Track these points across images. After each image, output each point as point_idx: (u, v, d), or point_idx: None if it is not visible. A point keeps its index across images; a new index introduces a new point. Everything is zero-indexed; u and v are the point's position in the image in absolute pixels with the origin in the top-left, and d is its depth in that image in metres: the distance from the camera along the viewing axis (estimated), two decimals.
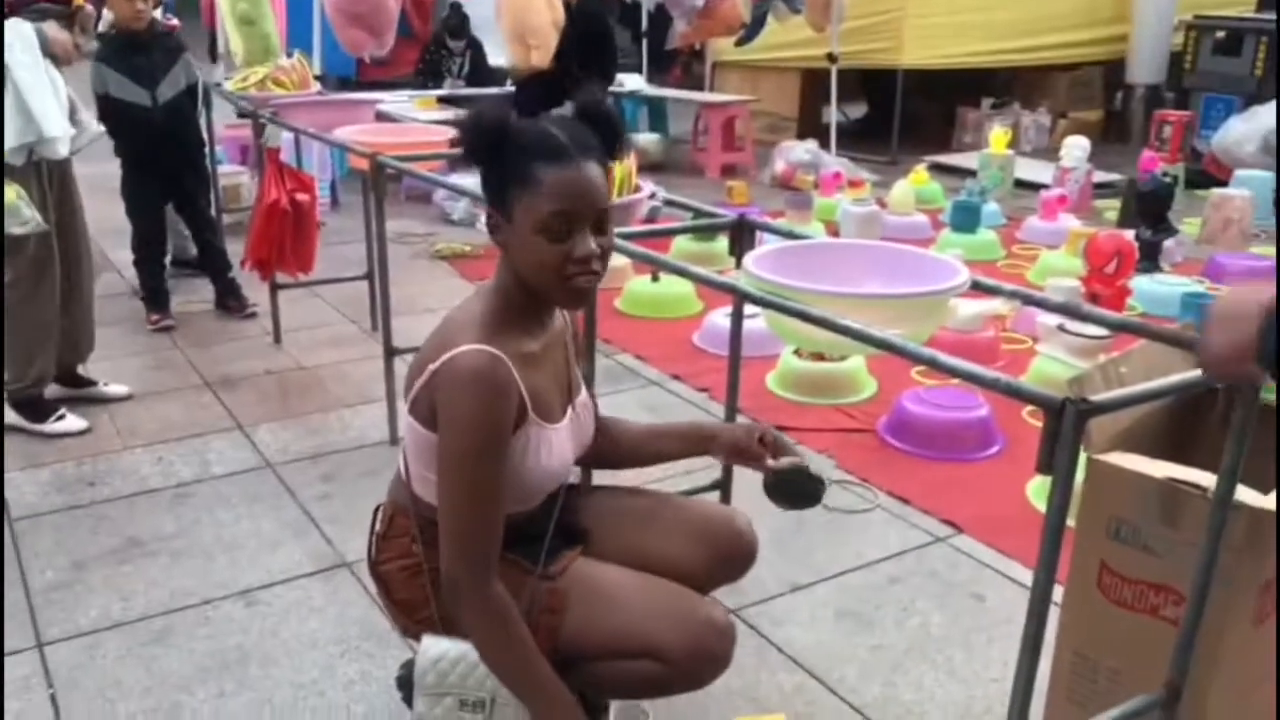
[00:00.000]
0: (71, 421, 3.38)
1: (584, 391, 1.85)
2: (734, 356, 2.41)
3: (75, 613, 2.44)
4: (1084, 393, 1.36)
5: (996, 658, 2.32)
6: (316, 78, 4.78)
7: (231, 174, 5.80)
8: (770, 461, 1.79)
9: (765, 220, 2.33)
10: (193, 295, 4.80)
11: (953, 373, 1.48)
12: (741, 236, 2.29)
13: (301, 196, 3.91)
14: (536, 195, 1.55)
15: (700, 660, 1.67)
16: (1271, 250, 5.83)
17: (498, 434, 1.58)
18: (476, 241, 5.88)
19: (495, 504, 1.60)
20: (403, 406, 1.74)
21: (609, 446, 1.93)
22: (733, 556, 1.86)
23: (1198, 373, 1.49)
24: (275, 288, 4.18)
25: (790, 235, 2.19)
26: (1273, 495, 1.71)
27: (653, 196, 2.61)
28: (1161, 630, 1.77)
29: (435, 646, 1.67)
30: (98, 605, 2.47)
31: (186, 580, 2.57)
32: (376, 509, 1.84)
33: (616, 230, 2.15)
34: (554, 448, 1.70)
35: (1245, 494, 1.66)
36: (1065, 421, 1.33)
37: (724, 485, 2.55)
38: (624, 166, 2.49)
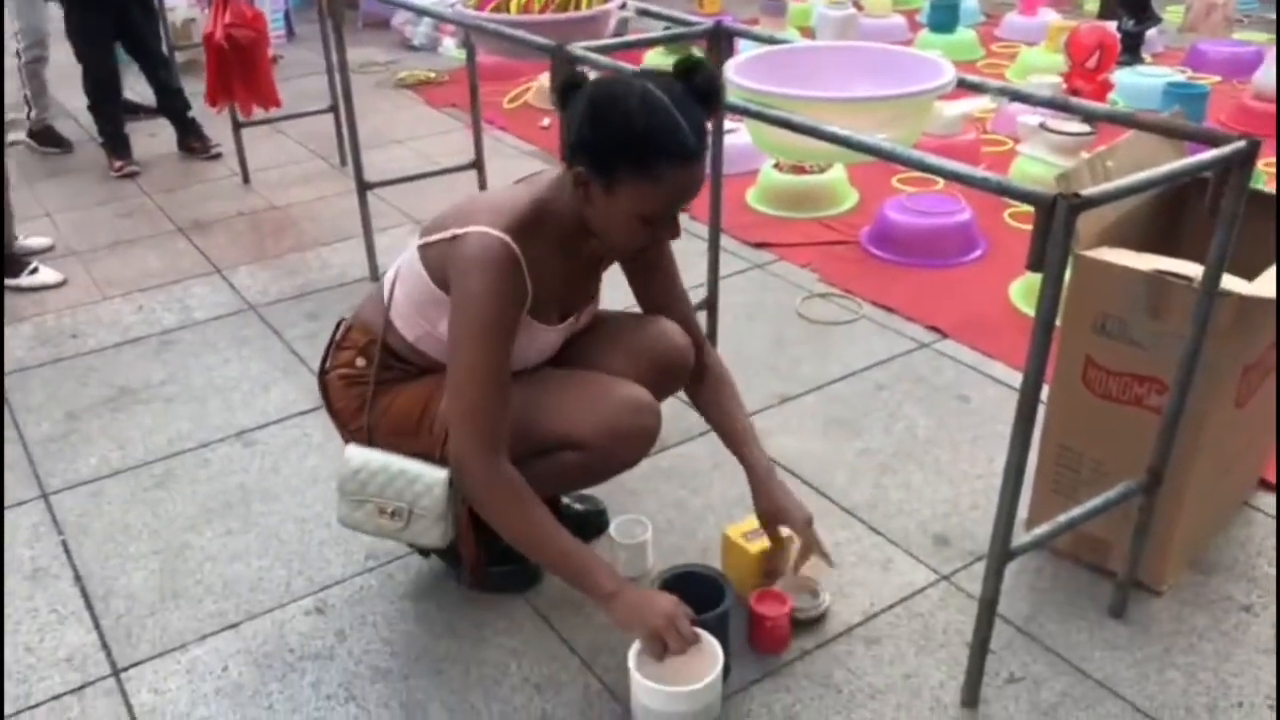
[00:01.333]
0: (46, 274, 3.33)
1: (589, 310, 1.88)
2: (715, 173, 2.36)
3: (75, 462, 2.46)
4: (1073, 188, 1.34)
5: (982, 456, 2.38)
6: None
7: (181, 9, 5.52)
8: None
9: (743, 26, 2.24)
10: (154, 138, 4.66)
11: (942, 174, 1.45)
12: (719, 45, 2.21)
13: (241, 32, 3.73)
14: (655, 188, 1.54)
15: (615, 439, 1.73)
16: (1256, 35, 5.70)
17: (505, 317, 1.61)
18: (441, 67, 5.69)
19: (502, 382, 1.63)
20: (411, 242, 1.75)
21: (699, 395, 1.96)
22: (669, 367, 1.90)
23: (1186, 161, 1.47)
24: (238, 126, 4.05)
25: (770, 41, 2.11)
26: (1258, 281, 1.73)
27: (623, 6, 2.51)
28: (1145, 419, 1.82)
29: (358, 456, 1.78)
30: (96, 454, 2.49)
31: (182, 424, 2.59)
32: (339, 322, 1.90)
33: (587, 44, 2.10)
34: (535, 342, 1.76)
35: (1230, 281, 1.67)
36: (1056, 217, 1.32)
37: (712, 304, 2.56)
38: None
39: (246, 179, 4.16)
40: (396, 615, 1.98)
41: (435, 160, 4.10)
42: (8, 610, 2.01)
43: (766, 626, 1.84)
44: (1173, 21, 5.86)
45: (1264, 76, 4.44)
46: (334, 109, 4.19)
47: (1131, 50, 5.05)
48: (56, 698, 1.82)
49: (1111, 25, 4.73)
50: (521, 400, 1.70)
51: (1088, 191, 1.33)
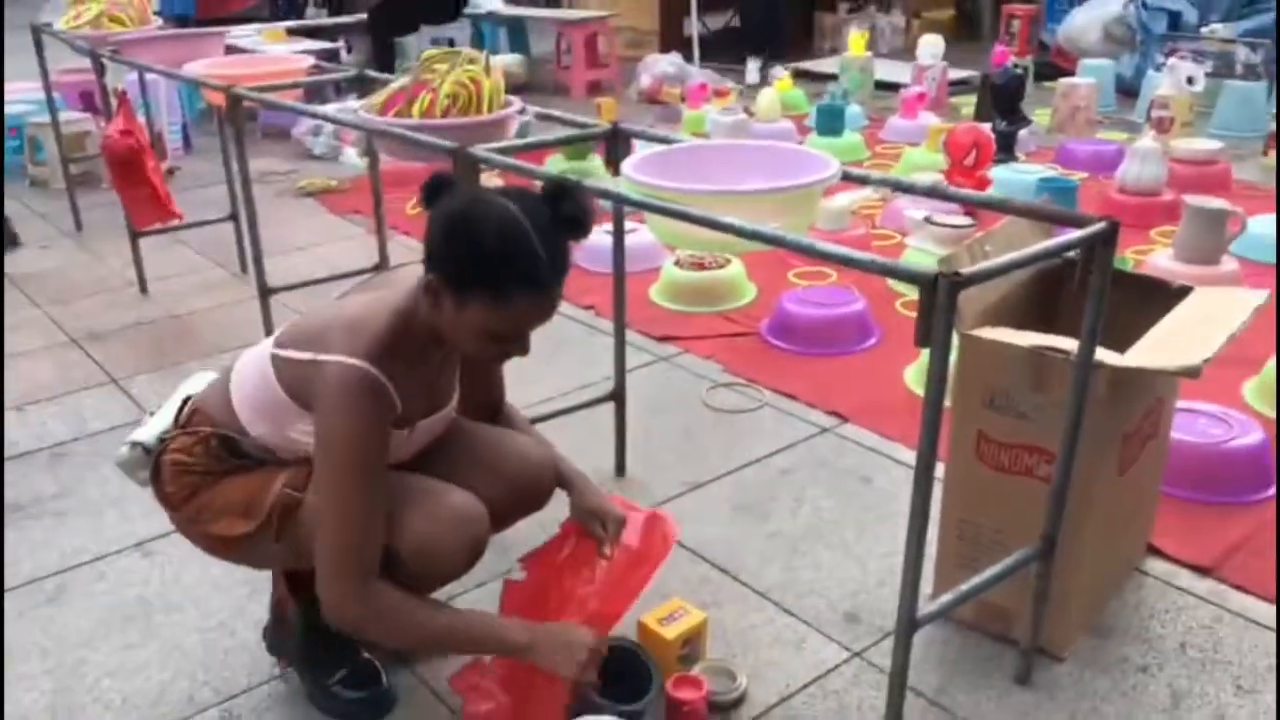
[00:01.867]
0: None
1: (452, 402, 1.88)
2: (618, 267, 2.44)
3: None
4: (953, 268, 1.43)
5: (886, 535, 2.44)
6: (156, 13, 4.56)
7: (74, 121, 5.48)
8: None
9: (639, 129, 2.34)
10: (45, 249, 4.58)
11: (832, 258, 1.53)
12: (617, 146, 2.30)
13: (118, 142, 3.69)
14: (504, 312, 1.58)
15: (430, 554, 1.69)
16: (1116, 135, 6.10)
17: (374, 452, 1.61)
18: (341, 175, 5.72)
19: (372, 518, 1.62)
20: (263, 345, 1.75)
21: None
22: (527, 489, 1.91)
23: (1055, 240, 1.58)
24: (135, 236, 4.00)
25: (664, 141, 2.20)
26: (1129, 353, 1.84)
27: (522, 111, 2.59)
28: (1036, 489, 1.90)
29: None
30: None
31: (75, 539, 2.50)
32: (186, 399, 1.88)
33: (489, 146, 2.16)
34: (395, 451, 1.72)
35: (1103, 354, 1.78)
36: (939, 295, 1.40)
37: (619, 396, 2.60)
38: (492, 82, 2.47)
39: (144, 289, 4.10)
40: None
41: (337, 265, 4.09)
42: None
43: (684, 712, 1.84)
44: (1042, 123, 6.24)
45: (1125, 172, 4.75)
46: (234, 216, 4.18)
47: (1006, 149, 5.35)
48: None
49: (986, 126, 5.02)
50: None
51: (966, 270, 1.41)
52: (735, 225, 1.60)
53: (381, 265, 3.36)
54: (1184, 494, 2.47)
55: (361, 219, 5.06)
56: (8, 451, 2.92)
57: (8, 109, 5.90)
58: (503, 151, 2.15)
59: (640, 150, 2.18)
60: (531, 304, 1.59)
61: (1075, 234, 1.58)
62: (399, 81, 2.45)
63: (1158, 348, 1.84)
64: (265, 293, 3.16)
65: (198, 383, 1.94)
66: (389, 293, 1.72)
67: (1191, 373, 1.72)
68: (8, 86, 5.94)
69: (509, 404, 2.08)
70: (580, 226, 1.62)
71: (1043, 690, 1.95)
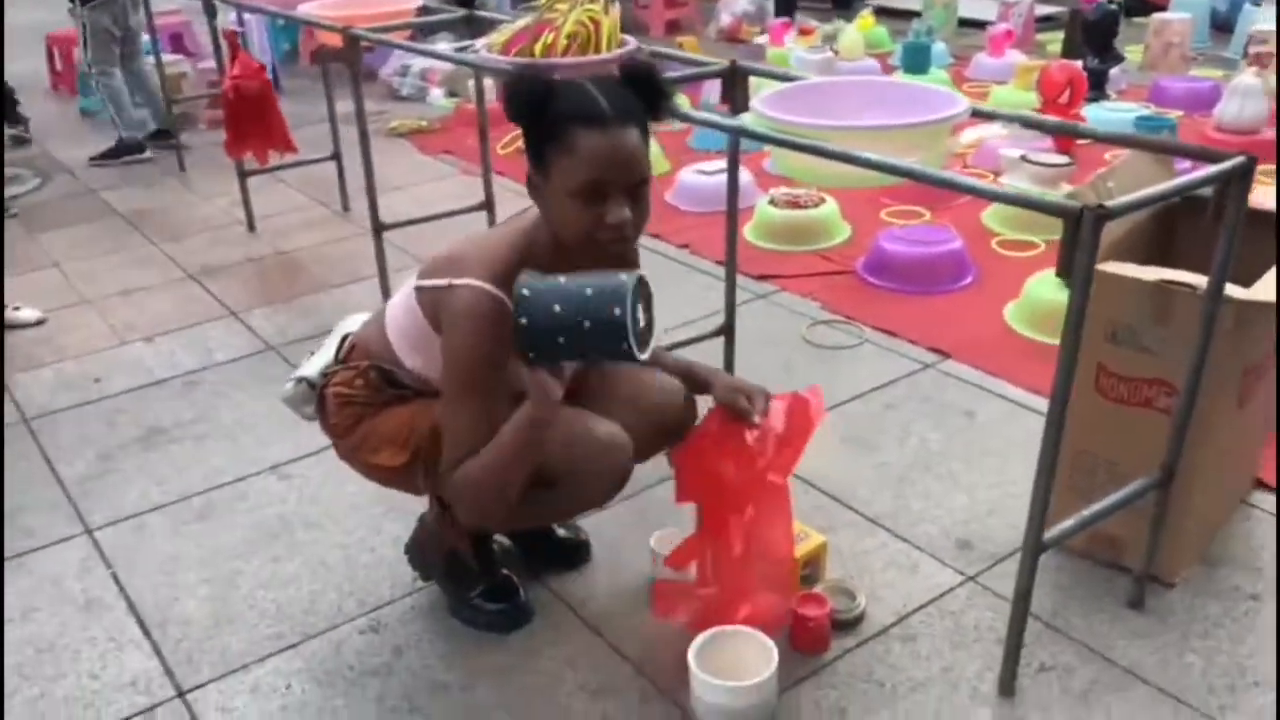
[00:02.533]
0: (25, 312, 3.44)
1: None
2: (731, 203, 2.48)
3: (114, 499, 2.52)
4: (1099, 201, 1.47)
5: (993, 466, 2.50)
6: None
7: (171, 63, 5.63)
8: None
9: (759, 65, 2.38)
10: (150, 189, 4.76)
11: (976, 192, 1.58)
12: (735, 83, 2.34)
13: (247, 83, 3.83)
14: (574, 160, 1.59)
15: (586, 477, 1.79)
16: (1211, 71, 5.96)
17: (489, 368, 1.70)
18: (431, 115, 5.82)
19: (483, 420, 1.70)
20: (411, 278, 1.84)
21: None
22: (667, 423, 1.98)
23: (1197, 174, 1.61)
24: (244, 175, 4.14)
25: (785, 78, 2.24)
26: (1255, 286, 1.87)
27: (638, 50, 2.64)
28: (1155, 421, 1.94)
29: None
30: (135, 490, 2.55)
31: (216, 460, 2.66)
32: (344, 337, 2.00)
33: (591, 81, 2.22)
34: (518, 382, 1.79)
35: (1231, 288, 1.81)
36: (1084, 227, 1.44)
37: (729, 331, 2.66)
38: (610, 21, 2.52)
39: (252, 226, 4.25)
40: (449, 632, 2.05)
41: (433, 205, 4.19)
42: (67, 641, 2.07)
43: (809, 626, 1.93)
44: (1133, 60, 6.12)
45: (1223, 110, 4.66)
46: (336, 156, 4.30)
47: (1097, 87, 5.27)
48: (126, 719, 1.88)
49: (1078, 64, 4.95)
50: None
51: (1111, 202, 1.45)
52: (875, 160, 1.65)
53: (488, 201, 3.44)
54: None
55: (453, 159, 5.16)
56: (144, 379, 3.09)
57: None
58: None
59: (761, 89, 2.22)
60: (596, 142, 1.58)
61: (1214, 168, 1.60)
62: (522, 21, 2.51)
63: None
64: (379, 229, 3.26)
65: (354, 322, 2.06)
66: (519, 220, 1.81)
67: None
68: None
69: None
70: (652, 87, 1.66)
71: (1155, 615, 2.01)
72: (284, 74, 6.64)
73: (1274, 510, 2.30)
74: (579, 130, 1.59)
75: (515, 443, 1.68)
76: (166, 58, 5.72)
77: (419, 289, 1.80)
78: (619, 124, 1.61)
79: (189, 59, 6.10)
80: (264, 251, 4.05)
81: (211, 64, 5.52)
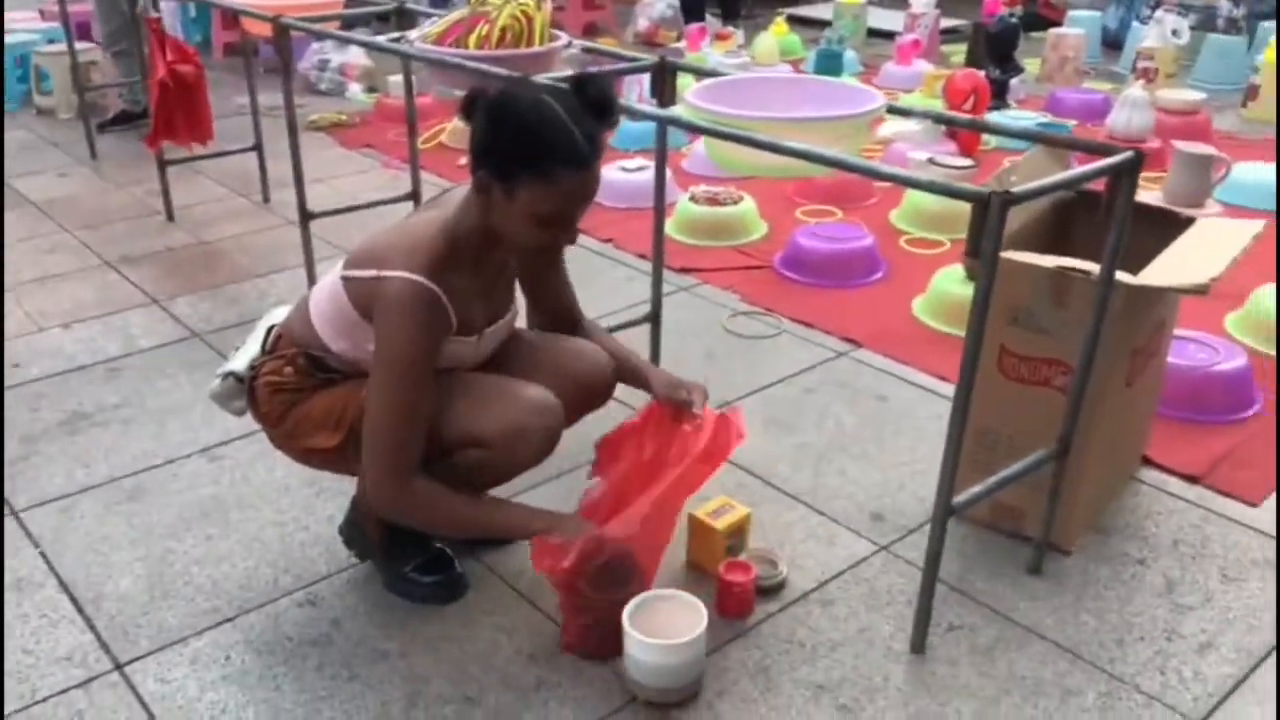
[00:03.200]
0: None
1: (511, 312, 2.04)
2: (659, 205, 2.56)
3: (39, 482, 2.50)
4: (1005, 188, 1.60)
5: (904, 446, 2.64)
6: None
7: (83, 51, 5.49)
8: None
9: (686, 61, 2.48)
10: (64, 178, 4.67)
11: (896, 180, 1.71)
12: (664, 78, 2.44)
13: (184, 68, 3.82)
14: (548, 191, 1.70)
15: (516, 438, 1.85)
16: (1102, 85, 6.29)
17: (424, 359, 1.77)
18: (350, 110, 5.81)
19: (417, 418, 1.79)
20: (335, 267, 1.90)
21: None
22: (589, 387, 2.09)
23: (1092, 165, 1.76)
24: (163, 165, 4.10)
25: (713, 73, 2.35)
26: (1142, 274, 2.03)
27: (569, 45, 2.73)
28: (1052, 398, 2.10)
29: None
30: (60, 473, 2.53)
31: (144, 444, 2.66)
32: (269, 328, 2.05)
33: (538, 78, 2.31)
34: (455, 356, 1.90)
35: (1121, 275, 1.97)
36: (992, 211, 1.57)
37: (655, 318, 2.76)
38: (542, 15, 2.60)
39: (171, 216, 4.21)
40: (387, 604, 2.10)
41: (356, 197, 4.21)
42: None
43: (735, 593, 2.04)
44: (1031, 72, 6.41)
45: (1114, 119, 4.93)
46: (257, 147, 4.28)
47: (999, 96, 5.52)
48: (62, 692, 1.89)
49: (981, 74, 5.18)
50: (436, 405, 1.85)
51: (1016, 189, 1.59)
52: (804, 149, 1.77)
53: (415, 190, 3.49)
54: (1175, 413, 2.69)
55: (374, 153, 5.17)
56: (65, 365, 3.06)
57: (12, 39, 5.91)
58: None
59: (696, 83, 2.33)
60: (574, 181, 1.69)
61: (1107, 161, 1.76)
62: (457, 13, 2.58)
63: (1168, 269, 2.04)
64: (306, 217, 3.28)
65: (279, 314, 2.10)
66: (441, 211, 1.88)
67: (1201, 290, 1.92)
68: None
69: (588, 319, 2.24)
70: (607, 108, 1.76)
71: (1052, 579, 2.17)
72: None
73: (1156, 485, 2.48)
74: (561, 170, 1.69)
75: (489, 533, 1.94)
76: (82, 45, 5.61)
77: (346, 279, 1.85)
78: (595, 161, 1.72)
79: (97, 47, 5.96)
80: (185, 241, 4.02)
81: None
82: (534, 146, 1.68)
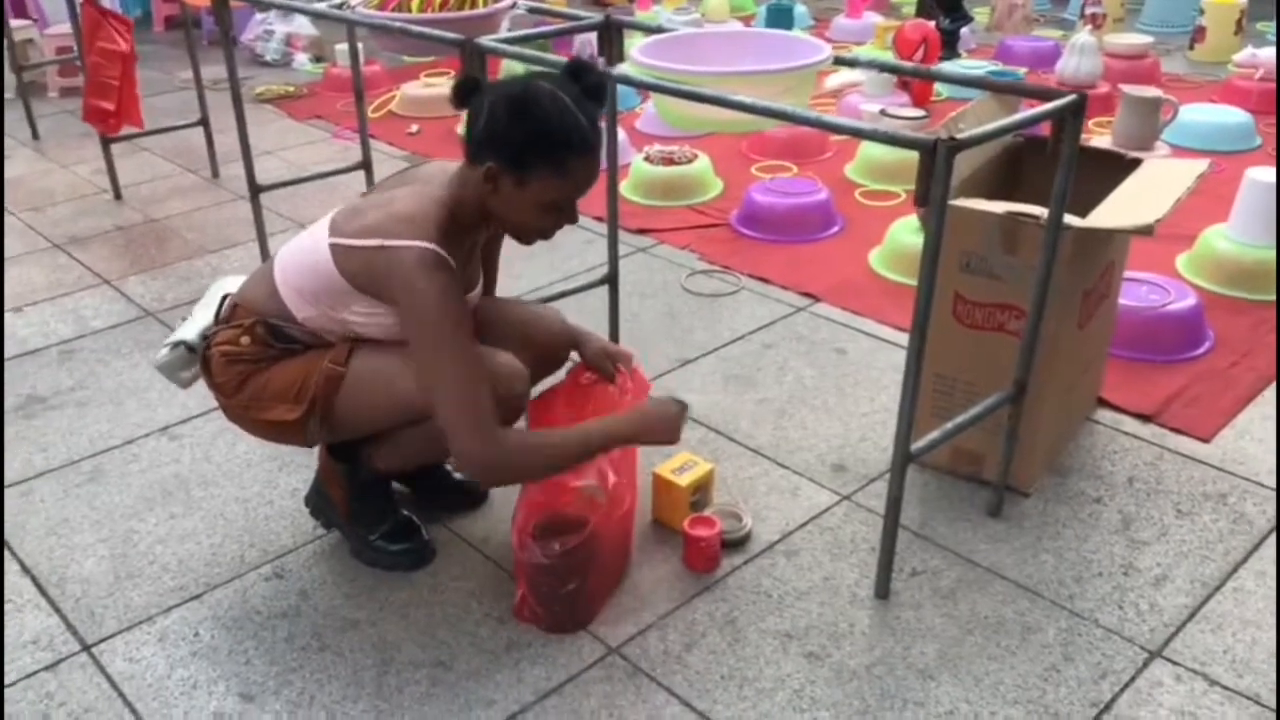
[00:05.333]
0: None
1: (476, 290, 2.03)
2: (611, 167, 2.54)
3: None
4: (951, 134, 1.61)
5: (864, 397, 2.67)
6: None
7: (19, 29, 5.38)
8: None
9: (632, 19, 2.46)
10: (9, 159, 4.57)
11: (843, 130, 1.72)
12: (610, 36, 2.42)
13: (123, 44, 3.75)
14: (564, 180, 1.74)
15: None
16: (1051, 32, 6.31)
17: (461, 318, 1.75)
18: (298, 81, 5.72)
19: (479, 373, 1.75)
20: (316, 234, 1.86)
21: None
22: (547, 352, 2.11)
23: (1036, 110, 1.77)
24: (107, 143, 4.02)
25: (659, 30, 2.34)
26: (1090, 216, 2.06)
27: (513, 5, 2.70)
28: (1006, 342, 2.13)
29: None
30: (18, 458, 2.50)
31: (101, 425, 2.63)
32: (224, 298, 2.02)
33: (494, 37, 2.29)
34: None
35: (1069, 218, 1.99)
36: (938, 159, 1.58)
37: (613, 280, 2.76)
38: None
39: (118, 195, 4.14)
40: (354, 573, 2.10)
41: (306, 169, 4.16)
42: None
43: (701, 547, 2.06)
44: (981, 21, 6.42)
45: (1063, 66, 4.96)
46: (203, 122, 4.21)
47: (949, 46, 5.52)
48: (31, 675, 1.88)
49: (931, 24, 5.18)
50: (399, 372, 1.83)
51: (961, 135, 1.60)
52: (751, 103, 1.77)
53: (365, 161, 3.45)
54: (1128, 354, 2.74)
55: (323, 124, 5.10)
56: (16, 349, 3.01)
57: None
58: (509, 41, 2.27)
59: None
60: (584, 170, 1.75)
61: (1050, 105, 1.77)
62: None
63: (1116, 211, 2.06)
64: (256, 191, 3.23)
65: (231, 284, 2.07)
66: (426, 187, 1.85)
67: (1146, 231, 1.94)
68: None
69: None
70: (603, 94, 1.81)
71: (1012, 520, 2.21)
72: (137, 40, 6.41)
73: (1111, 425, 2.53)
74: (573, 159, 1.72)
75: (592, 454, 1.83)
76: (17, 23, 5.49)
77: (340, 247, 1.80)
78: (600, 148, 1.76)
79: (34, 24, 5.83)
80: (134, 219, 3.96)
81: (62, 29, 5.34)
82: (553, 142, 1.71)
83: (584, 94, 1.76)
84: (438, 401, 1.74)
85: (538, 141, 1.70)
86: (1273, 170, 3.15)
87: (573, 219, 1.82)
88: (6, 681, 1.87)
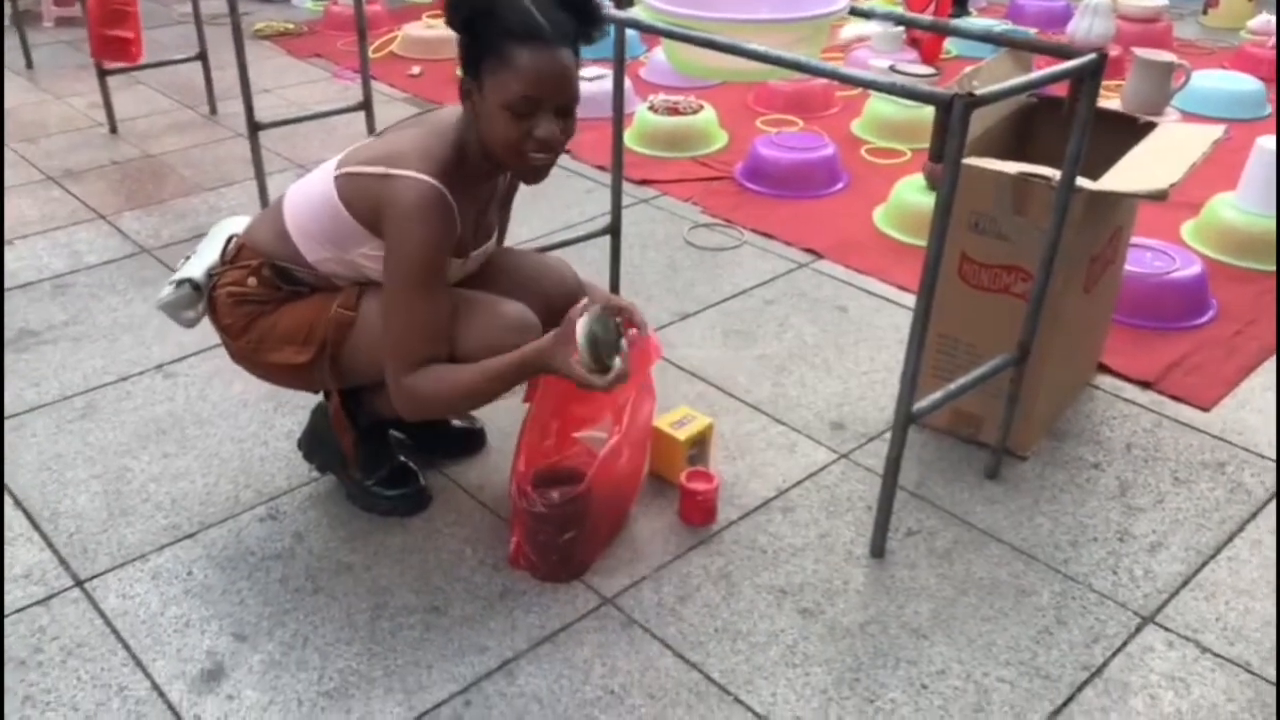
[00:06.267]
0: None
1: (492, 241, 2.00)
2: (617, 114, 2.50)
3: None
4: (967, 90, 1.58)
5: (864, 356, 2.66)
6: None
7: None
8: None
9: None
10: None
11: (858, 83, 1.68)
12: None
13: None
14: (509, 74, 1.64)
15: (496, 353, 1.80)
16: None
17: (438, 261, 1.73)
18: (298, 19, 5.63)
19: (438, 323, 1.75)
20: (324, 170, 1.84)
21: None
22: (562, 301, 2.01)
23: (1054, 68, 1.74)
24: (103, 75, 3.95)
25: None
26: (1102, 179, 2.03)
27: None
28: (1011, 305, 2.11)
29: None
30: (10, 392, 2.48)
31: (95, 361, 2.60)
32: (229, 238, 1.99)
33: None
34: (452, 275, 1.85)
35: (1081, 180, 1.96)
36: (954, 113, 1.55)
37: (615, 230, 2.72)
38: None
39: (114, 129, 4.08)
40: (349, 517, 2.10)
41: (306, 108, 4.11)
42: None
43: (697, 500, 2.05)
44: None
45: (1075, 27, 4.90)
46: (201, 56, 4.14)
47: (960, 3, 5.44)
48: (23, 609, 1.87)
49: None
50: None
51: (979, 91, 1.57)
52: (764, 51, 1.73)
53: (366, 102, 3.39)
54: (1130, 320, 2.72)
55: (323, 62, 5.02)
56: (8, 282, 2.98)
57: None
58: None
59: None
60: (533, 60, 1.63)
61: (1070, 63, 1.74)
62: None
63: (1128, 175, 2.04)
64: (255, 128, 3.18)
65: (237, 223, 2.04)
66: (437, 126, 1.81)
67: (1159, 195, 1.92)
68: None
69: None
70: (582, 6, 1.70)
71: (1009, 483, 2.21)
72: None
73: (1111, 391, 2.52)
74: (517, 47, 1.64)
75: (502, 370, 1.75)
76: None
77: (344, 175, 1.79)
78: (555, 44, 1.66)
79: None
80: (130, 154, 3.90)
81: None
82: (495, 30, 1.65)
83: (563, 6, 1.68)
84: (386, 335, 1.76)
85: (476, 32, 1.66)
86: None
87: (547, 130, 1.68)
88: None
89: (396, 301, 1.75)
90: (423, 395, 1.77)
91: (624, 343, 1.76)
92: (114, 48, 3.79)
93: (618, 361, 1.71)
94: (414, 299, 1.73)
